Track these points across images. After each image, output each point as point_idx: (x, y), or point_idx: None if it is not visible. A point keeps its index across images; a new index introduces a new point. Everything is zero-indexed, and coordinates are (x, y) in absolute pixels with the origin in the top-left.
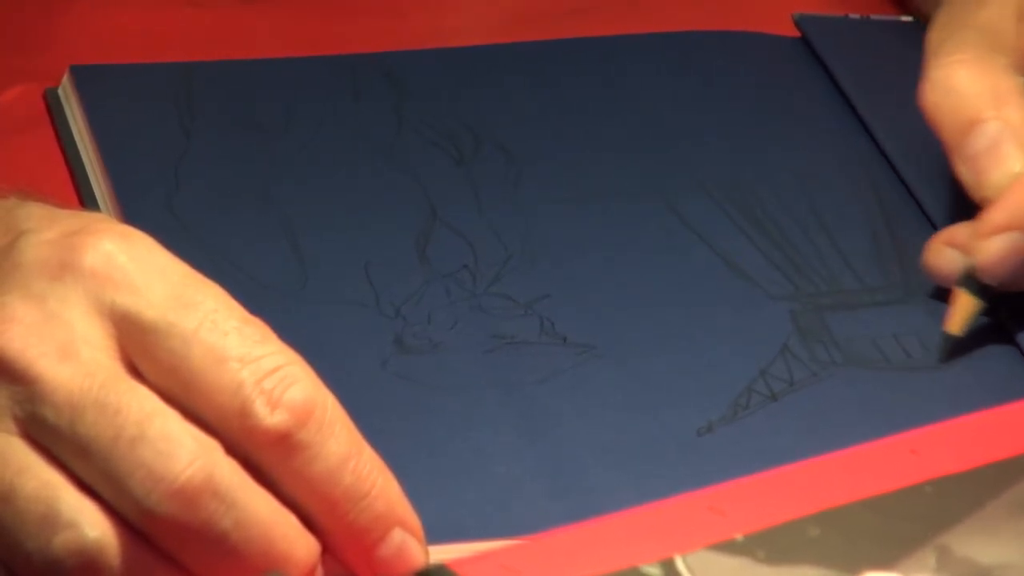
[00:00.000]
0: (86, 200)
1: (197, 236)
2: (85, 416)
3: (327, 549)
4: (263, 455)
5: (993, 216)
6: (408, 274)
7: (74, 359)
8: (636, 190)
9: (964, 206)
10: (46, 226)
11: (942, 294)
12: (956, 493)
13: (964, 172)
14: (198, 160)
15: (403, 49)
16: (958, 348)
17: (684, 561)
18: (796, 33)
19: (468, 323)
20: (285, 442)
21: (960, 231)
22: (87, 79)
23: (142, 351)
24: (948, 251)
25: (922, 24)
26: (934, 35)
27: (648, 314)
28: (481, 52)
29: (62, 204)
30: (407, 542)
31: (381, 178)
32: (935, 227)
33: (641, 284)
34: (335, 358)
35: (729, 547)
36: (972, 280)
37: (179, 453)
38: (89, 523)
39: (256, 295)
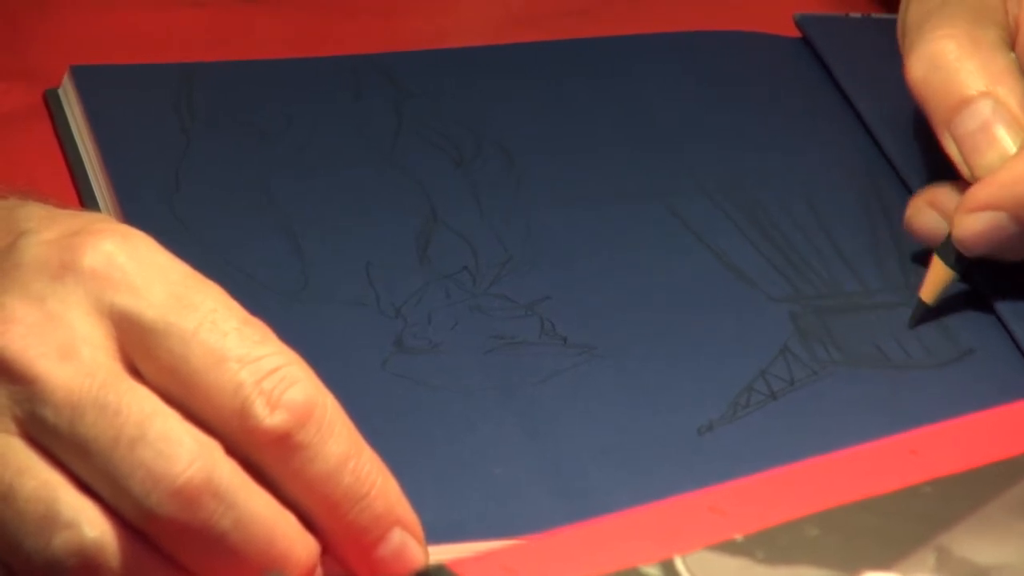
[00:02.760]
0: (86, 200)
1: (197, 236)
2: (85, 416)
3: (327, 549)
4: (263, 455)
5: (979, 193)
6: (408, 275)
7: (74, 359)
8: (636, 191)
9: None
10: (46, 226)
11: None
12: (955, 493)
13: (953, 151)
14: (198, 160)
15: (404, 50)
16: (928, 316)
17: (683, 561)
18: (797, 33)
19: (468, 324)
20: (285, 442)
21: (942, 194)
22: (87, 79)
23: (142, 351)
24: (929, 212)
25: None
26: (913, 9)
27: (648, 315)
28: (481, 53)
29: (62, 204)
30: (407, 542)
31: (381, 179)
32: None
33: (641, 285)
34: (335, 358)
35: (728, 547)
36: (950, 250)
37: (179, 453)
38: (89, 523)
39: (256, 295)
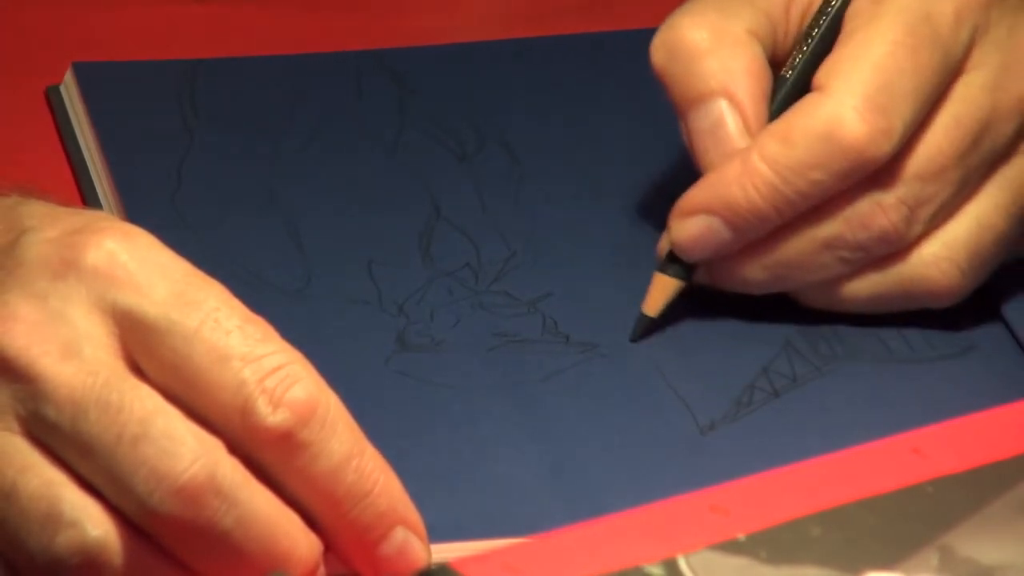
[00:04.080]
0: (88, 198)
1: (199, 234)
2: (88, 414)
3: (329, 548)
4: (265, 454)
5: (692, 195)
6: (411, 272)
7: (76, 357)
8: (639, 187)
9: None
10: (48, 224)
11: None
12: (958, 493)
13: (688, 145)
14: (201, 157)
15: (406, 45)
16: (652, 328)
17: (687, 561)
18: None
19: (471, 321)
20: (287, 441)
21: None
22: (89, 76)
23: (144, 350)
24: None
25: None
26: None
27: None
28: (484, 48)
29: (64, 202)
30: (409, 540)
31: (384, 175)
32: None
33: (644, 283)
34: (338, 356)
35: (731, 547)
36: (673, 259)
37: (181, 452)
38: (91, 522)
39: (259, 293)
